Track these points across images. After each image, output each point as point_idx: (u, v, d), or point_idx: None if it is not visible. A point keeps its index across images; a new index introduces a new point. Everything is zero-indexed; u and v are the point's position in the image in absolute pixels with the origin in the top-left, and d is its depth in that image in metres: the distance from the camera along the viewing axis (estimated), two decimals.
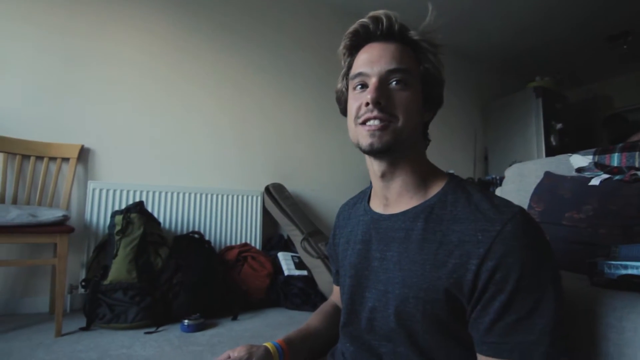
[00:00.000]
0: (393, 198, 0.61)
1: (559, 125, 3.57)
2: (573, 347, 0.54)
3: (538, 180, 1.26)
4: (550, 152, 3.44)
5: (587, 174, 1.15)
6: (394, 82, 0.56)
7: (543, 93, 3.59)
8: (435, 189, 0.58)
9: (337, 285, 0.81)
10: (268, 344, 0.66)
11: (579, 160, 1.23)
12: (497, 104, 3.96)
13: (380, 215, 0.62)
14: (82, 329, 1.62)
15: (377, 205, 0.65)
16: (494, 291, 0.47)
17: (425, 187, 0.59)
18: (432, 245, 0.52)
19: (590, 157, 1.21)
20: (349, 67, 0.63)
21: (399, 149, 0.57)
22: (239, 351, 0.63)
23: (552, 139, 3.53)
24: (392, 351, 0.56)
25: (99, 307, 1.65)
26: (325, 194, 2.91)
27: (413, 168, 0.60)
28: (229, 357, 0.62)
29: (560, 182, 1.16)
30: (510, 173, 1.44)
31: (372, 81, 0.56)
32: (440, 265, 0.51)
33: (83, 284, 1.75)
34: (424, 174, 0.60)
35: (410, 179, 0.60)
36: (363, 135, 0.57)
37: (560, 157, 1.30)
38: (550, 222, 1.06)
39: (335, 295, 0.85)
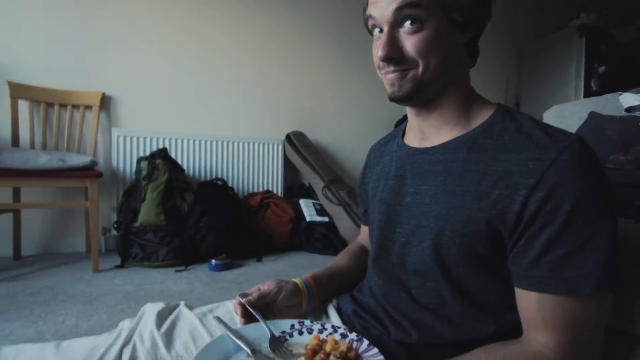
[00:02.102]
0: (431, 131, 0.56)
1: (602, 69, 3.28)
2: (623, 284, 0.51)
3: (581, 122, 1.16)
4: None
5: (638, 114, 1.05)
6: (408, 22, 0.48)
7: (587, 32, 3.26)
8: (480, 119, 0.53)
9: (366, 225, 0.80)
10: (296, 280, 0.66)
11: (630, 98, 1.12)
12: (533, 47, 3.64)
13: (416, 149, 0.58)
14: (117, 267, 1.72)
15: (412, 140, 0.61)
16: (541, 224, 0.43)
17: (468, 117, 0.54)
18: (474, 176, 0.48)
19: None
20: (366, 2, 0.55)
21: (424, 93, 0.51)
22: (268, 285, 0.63)
23: (592, 83, 3.27)
24: (422, 285, 0.55)
25: (131, 247, 1.74)
26: (347, 142, 2.85)
27: (453, 99, 0.54)
28: (259, 290, 0.63)
29: (606, 123, 1.07)
30: (549, 115, 1.34)
31: (384, 30, 0.50)
32: (483, 197, 0.47)
33: (115, 226, 1.83)
34: (467, 103, 0.54)
35: (450, 110, 0.54)
36: (385, 83, 0.53)
37: (608, 97, 1.19)
38: None
39: (363, 235, 0.84)
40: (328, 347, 0.54)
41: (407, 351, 0.56)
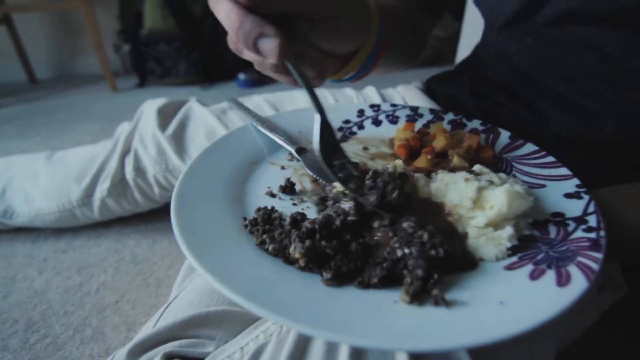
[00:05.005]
0: None
1: None
2: None
3: None
4: None
5: None
6: None
7: None
8: None
9: None
10: None
11: None
12: None
13: None
14: (137, 86, 1.52)
15: None
16: None
17: None
18: None
19: None
20: None
21: None
22: None
23: None
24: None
25: (146, 62, 1.49)
26: None
27: None
28: None
29: None
30: None
31: None
32: None
33: (123, 37, 1.55)
34: None
35: None
36: None
37: None
38: None
39: None
40: (439, 142, 0.29)
41: (574, 150, 0.31)
